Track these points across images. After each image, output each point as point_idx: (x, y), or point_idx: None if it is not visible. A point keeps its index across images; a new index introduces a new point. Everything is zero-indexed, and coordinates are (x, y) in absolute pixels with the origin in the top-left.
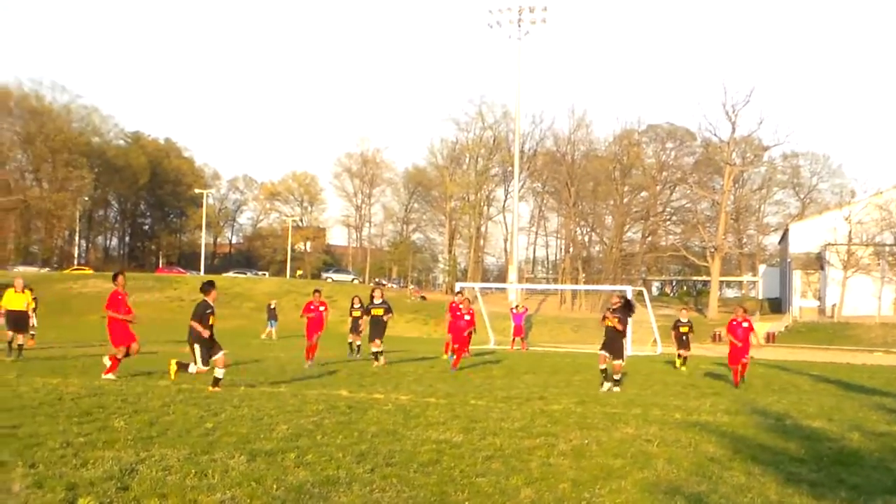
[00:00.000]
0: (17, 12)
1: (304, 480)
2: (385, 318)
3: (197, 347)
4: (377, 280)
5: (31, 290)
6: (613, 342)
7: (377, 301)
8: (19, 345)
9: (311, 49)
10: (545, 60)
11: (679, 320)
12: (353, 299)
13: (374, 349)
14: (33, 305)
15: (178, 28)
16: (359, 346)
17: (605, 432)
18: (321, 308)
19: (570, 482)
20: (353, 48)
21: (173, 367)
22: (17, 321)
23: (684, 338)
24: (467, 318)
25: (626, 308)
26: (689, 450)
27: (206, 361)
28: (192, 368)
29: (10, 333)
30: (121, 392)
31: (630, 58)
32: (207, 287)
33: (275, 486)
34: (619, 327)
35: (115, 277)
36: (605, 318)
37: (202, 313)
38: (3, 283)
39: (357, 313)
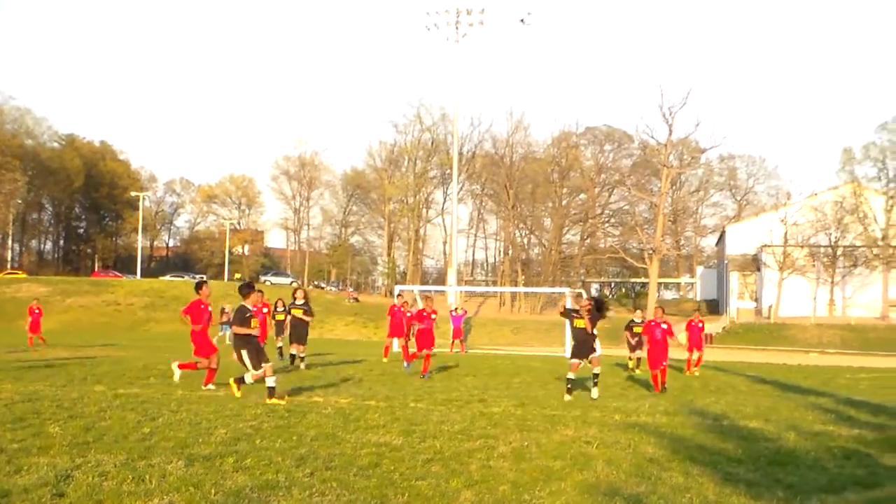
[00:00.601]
0: None
1: (243, 485)
2: (305, 318)
3: (244, 353)
4: (315, 283)
5: None
6: (585, 343)
7: (298, 302)
8: None
9: (249, 50)
10: (483, 63)
11: (633, 321)
12: (276, 302)
13: (294, 352)
14: None
15: (112, 29)
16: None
17: (545, 434)
18: (263, 310)
19: (510, 484)
20: (291, 49)
21: (234, 386)
22: None
23: (638, 338)
24: (433, 316)
25: (598, 311)
26: (629, 451)
27: (258, 365)
28: (248, 378)
29: None
30: (56, 397)
31: (568, 60)
32: (247, 290)
33: (213, 491)
34: (590, 328)
35: (198, 287)
36: (571, 317)
37: (242, 318)
38: None
39: (281, 316)
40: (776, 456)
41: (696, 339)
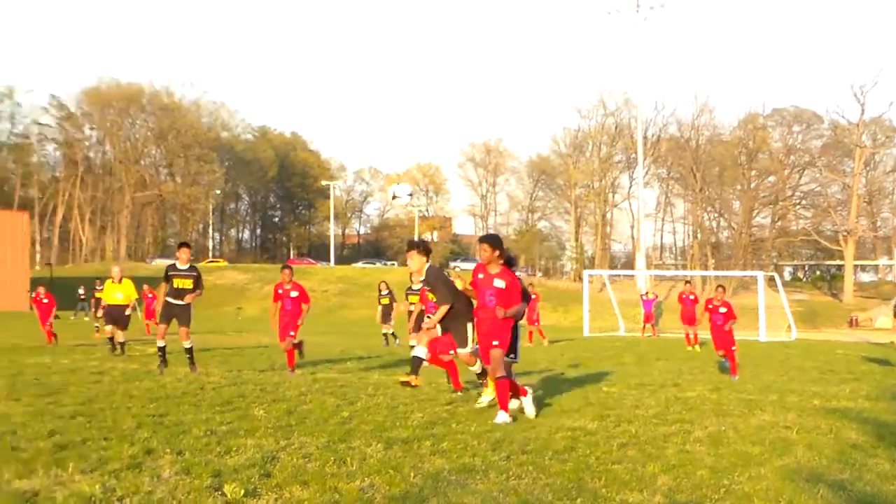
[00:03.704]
0: (147, 12)
1: (441, 468)
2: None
3: (469, 326)
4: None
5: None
6: None
7: (383, 291)
8: (121, 342)
9: (433, 41)
10: (665, 46)
11: None
12: (379, 285)
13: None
14: (135, 296)
15: (301, 25)
16: (393, 335)
17: (742, 419)
18: (292, 294)
19: (707, 469)
20: (474, 39)
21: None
22: (114, 316)
23: None
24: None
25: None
26: (830, 436)
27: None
28: (477, 368)
29: (110, 329)
30: (259, 382)
31: (752, 41)
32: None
33: (412, 474)
34: None
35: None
36: None
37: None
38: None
39: (386, 301)
40: None
41: None
